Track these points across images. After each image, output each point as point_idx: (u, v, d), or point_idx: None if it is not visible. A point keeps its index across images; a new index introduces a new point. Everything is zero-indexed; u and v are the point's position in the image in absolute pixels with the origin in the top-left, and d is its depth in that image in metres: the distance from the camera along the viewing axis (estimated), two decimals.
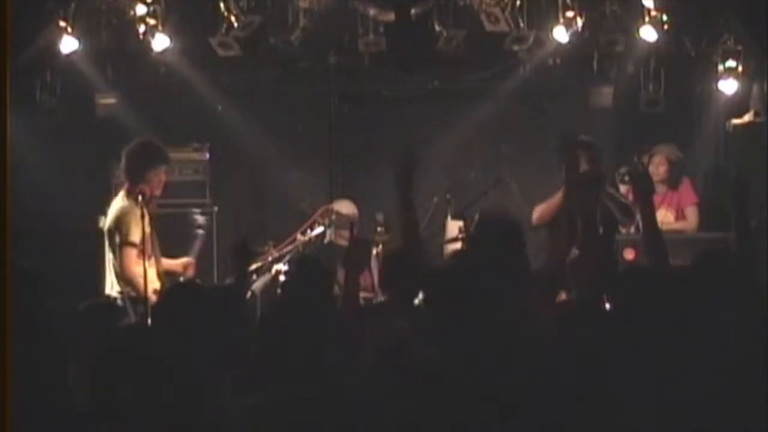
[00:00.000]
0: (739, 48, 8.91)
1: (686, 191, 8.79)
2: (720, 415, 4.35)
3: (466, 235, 7.80)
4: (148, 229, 7.08)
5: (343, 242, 8.71)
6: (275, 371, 4.79)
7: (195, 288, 5.56)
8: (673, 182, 8.75)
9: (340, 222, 8.56)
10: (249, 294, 7.88)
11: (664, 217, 8.67)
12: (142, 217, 7.03)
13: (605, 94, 9.78)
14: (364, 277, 8.08)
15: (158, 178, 7.32)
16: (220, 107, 9.83)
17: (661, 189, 8.67)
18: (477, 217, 7.15)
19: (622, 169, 8.56)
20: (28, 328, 4.57)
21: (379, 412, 4.14)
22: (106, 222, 7.39)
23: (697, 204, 8.76)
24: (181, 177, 9.24)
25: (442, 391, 4.07)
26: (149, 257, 7.09)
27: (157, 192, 7.34)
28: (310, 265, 5.78)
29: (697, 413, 4.36)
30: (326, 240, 8.69)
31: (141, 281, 6.90)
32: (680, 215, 8.76)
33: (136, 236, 7.11)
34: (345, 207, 8.87)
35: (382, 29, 9.00)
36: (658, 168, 8.70)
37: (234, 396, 4.22)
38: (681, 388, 4.37)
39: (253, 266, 7.64)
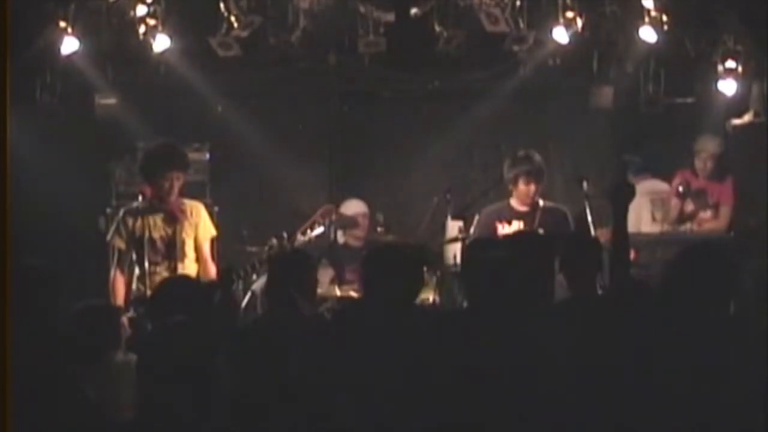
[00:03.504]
0: (739, 48, 8.90)
1: (727, 189, 8.73)
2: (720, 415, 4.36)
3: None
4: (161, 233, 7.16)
5: (355, 243, 8.71)
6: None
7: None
8: (719, 176, 8.72)
9: (342, 222, 8.57)
10: (249, 294, 7.89)
11: (702, 213, 8.67)
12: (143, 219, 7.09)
13: (605, 94, 9.78)
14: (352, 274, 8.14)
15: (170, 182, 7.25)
16: (220, 107, 9.84)
17: (704, 181, 8.68)
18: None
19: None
20: (36, 328, 4.59)
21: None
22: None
23: (731, 205, 8.70)
24: None
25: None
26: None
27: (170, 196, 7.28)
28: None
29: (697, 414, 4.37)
30: (337, 240, 8.73)
31: None
32: (715, 213, 8.73)
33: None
34: (354, 206, 8.88)
35: (382, 29, 9.00)
36: (705, 164, 8.69)
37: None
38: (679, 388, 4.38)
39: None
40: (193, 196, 9.09)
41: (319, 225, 7.84)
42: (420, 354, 4.50)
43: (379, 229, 8.56)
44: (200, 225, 7.34)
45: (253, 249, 7.85)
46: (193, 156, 9.32)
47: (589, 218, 8.03)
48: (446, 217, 8.71)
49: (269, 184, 9.99)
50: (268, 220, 9.14)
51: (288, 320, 5.06)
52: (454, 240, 8.18)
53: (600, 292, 5.53)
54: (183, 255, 7.17)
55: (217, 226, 7.59)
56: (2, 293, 3.82)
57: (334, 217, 8.13)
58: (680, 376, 4.38)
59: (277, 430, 4.49)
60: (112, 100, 9.51)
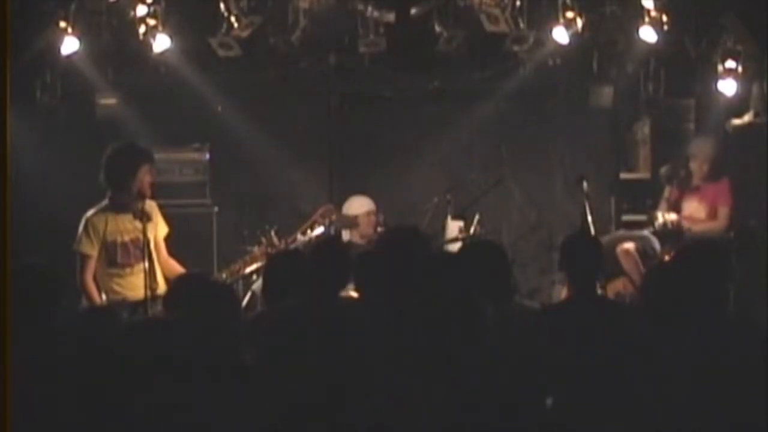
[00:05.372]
0: (739, 48, 8.90)
1: (723, 190, 8.66)
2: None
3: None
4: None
5: (360, 241, 8.71)
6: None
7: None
8: (714, 177, 8.66)
9: (341, 222, 8.57)
10: (249, 294, 7.89)
11: (695, 210, 8.60)
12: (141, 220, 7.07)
13: (605, 94, 9.80)
14: None
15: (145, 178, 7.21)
16: (220, 107, 9.84)
17: (700, 183, 8.63)
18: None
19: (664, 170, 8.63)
20: (36, 328, 4.59)
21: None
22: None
23: (730, 206, 8.64)
24: (182, 177, 9.26)
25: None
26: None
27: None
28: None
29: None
30: (341, 238, 8.72)
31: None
32: (712, 214, 8.66)
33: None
34: (365, 204, 8.84)
35: (382, 30, 9.00)
36: (701, 167, 8.61)
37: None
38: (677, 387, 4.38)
39: (253, 266, 7.64)
40: (194, 196, 9.17)
41: (319, 225, 7.85)
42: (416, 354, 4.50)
43: (379, 228, 8.57)
44: (158, 224, 7.33)
45: (254, 249, 7.85)
46: (193, 156, 9.38)
47: (589, 218, 8.05)
48: (446, 217, 8.73)
49: (269, 184, 9.99)
50: (268, 220, 9.15)
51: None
52: (454, 240, 8.18)
53: (600, 292, 5.54)
54: (150, 254, 7.12)
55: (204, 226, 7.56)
56: (2, 293, 3.82)
57: (333, 217, 8.14)
58: (679, 377, 4.38)
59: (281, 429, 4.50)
60: (112, 100, 9.52)
